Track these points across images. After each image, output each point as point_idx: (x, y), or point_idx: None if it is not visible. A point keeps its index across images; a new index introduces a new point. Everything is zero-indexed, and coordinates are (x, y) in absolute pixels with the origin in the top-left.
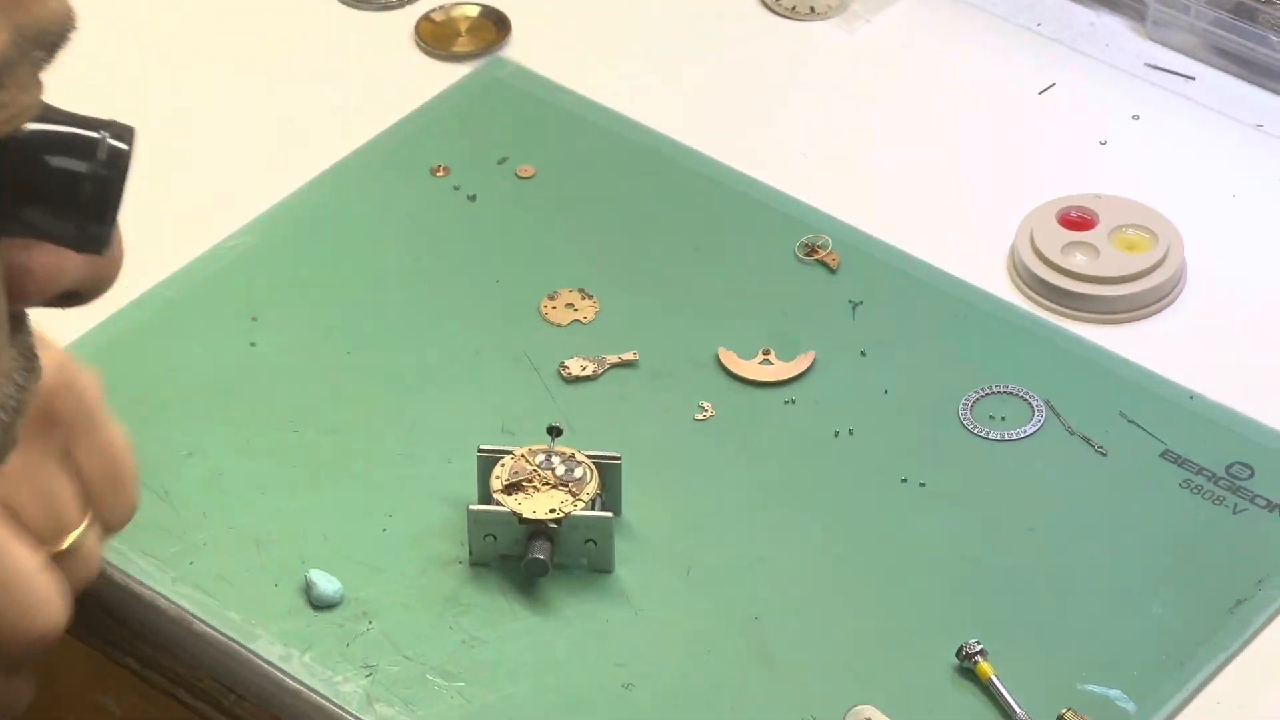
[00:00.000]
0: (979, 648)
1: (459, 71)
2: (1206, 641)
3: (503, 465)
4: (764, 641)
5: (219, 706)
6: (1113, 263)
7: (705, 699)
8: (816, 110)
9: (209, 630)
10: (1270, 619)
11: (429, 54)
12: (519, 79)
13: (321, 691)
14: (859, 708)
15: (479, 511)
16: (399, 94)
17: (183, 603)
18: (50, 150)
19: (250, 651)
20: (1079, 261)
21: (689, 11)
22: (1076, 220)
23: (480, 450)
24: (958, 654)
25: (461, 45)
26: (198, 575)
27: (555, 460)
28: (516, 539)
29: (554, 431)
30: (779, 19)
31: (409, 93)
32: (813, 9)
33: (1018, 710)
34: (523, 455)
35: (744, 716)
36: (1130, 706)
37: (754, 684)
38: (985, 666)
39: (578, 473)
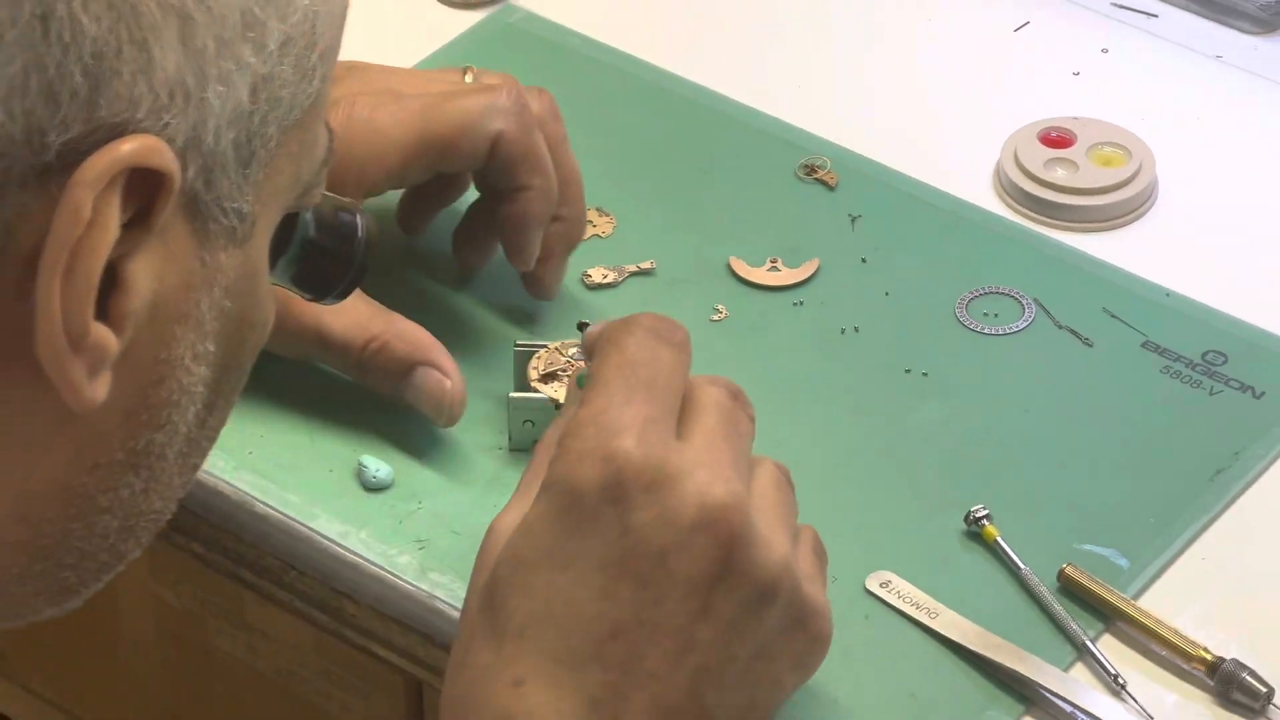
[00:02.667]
0: (984, 512)
1: (473, 18)
2: (1191, 506)
3: (538, 358)
4: None
5: (280, 582)
6: (1091, 176)
7: None
8: (808, 46)
9: (271, 511)
10: (1247, 485)
11: (445, 2)
12: (529, 24)
13: (379, 563)
14: (878, 572)
15: (519, 399)
16: (417, 39)
17: (245, 488)
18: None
19: (311, 529)
20: (1060, 175)
21: None
22: (1056, 139)
23: (516, 345)
24: (965, 519)
25: None
26: (257, 463)
27: None
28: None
29: (583, 327)
30: None
31: (427, 38)
32: None
33: (1022, 567)
34: (556, 348)
35: None
36: (1124, 563)
37: None
38: (991, 529)
39: None
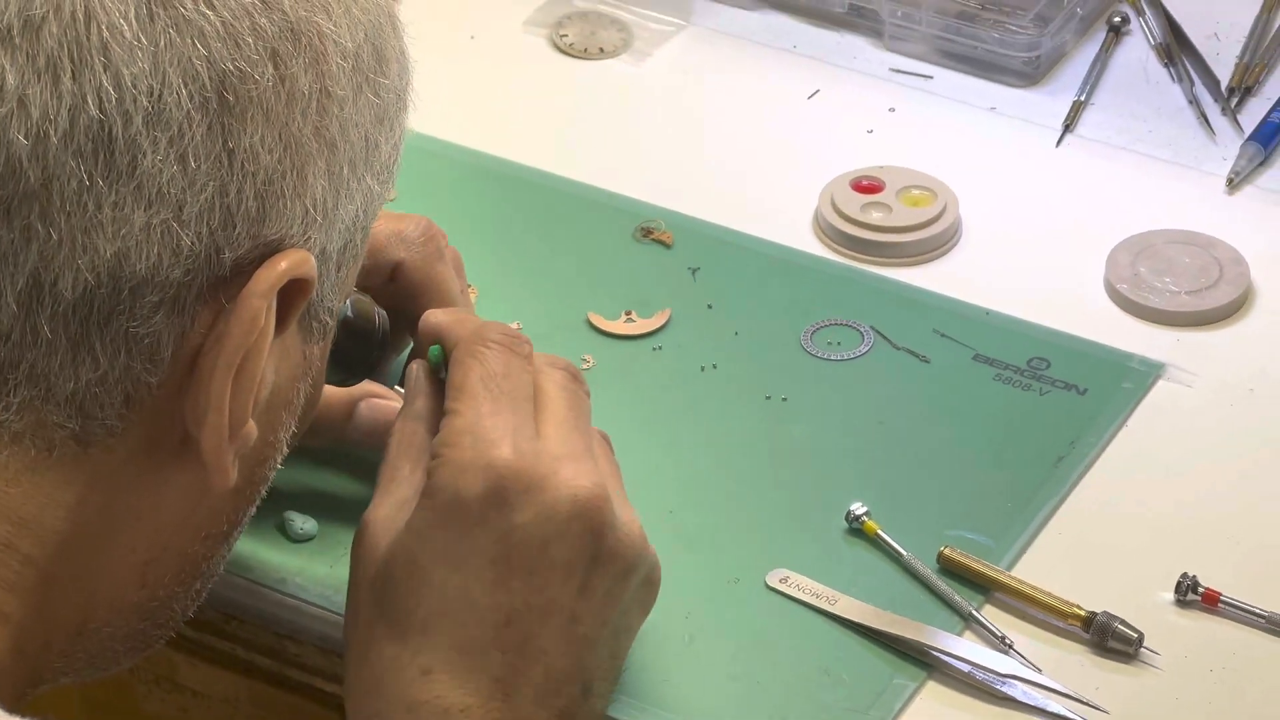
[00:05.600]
0: (863, 510)
1: None
2: (1040, 490)
3: None
4: (682, 529)
5: (221, 633)
6: (904, 216)
7: None
8: (623, 127)
9: None
10: (1087, 468)
11: None
12: None
13: (318, 603)
14: (776, 570)
15: None
16: None
17: None
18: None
19: (249, 579)
20: (876, 217)
21: (504, 62)
22: (868, 186)
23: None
24: (846, 518)
25: None
26: None
27: None
28: None
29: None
30: (575, 60)
31: None
32: (601, 50)
33: (904, 553)
34: None
35: (677, 586)
36: (991, 544)
37: (680, 562)
38: (871, 524)
39: None
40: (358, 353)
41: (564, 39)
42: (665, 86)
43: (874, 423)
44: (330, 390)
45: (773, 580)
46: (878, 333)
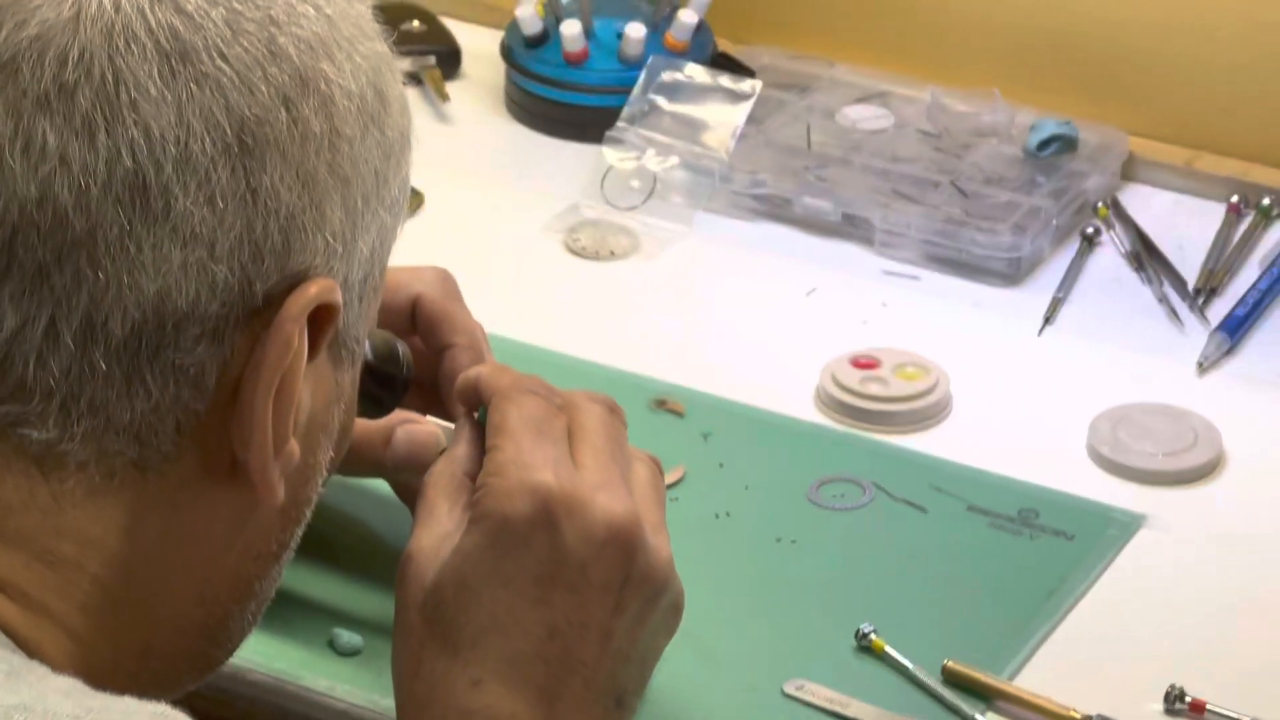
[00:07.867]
0: (871, 629)
1: None
2: (1034, 618)
3: None
4: (703, 646)
5: None
6: (899, 389)
7: (665, 686)
8: (636, 316)
9: (263, 678)
10: (1076, 601)
11: None
12: None
13: (366, 706)
14: (792, 679)
15: None
16: None
17: (234, 662)
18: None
19: (302, 687)
20: (874, 389)
21: (523, 262)
22: (865, 363)
23: None
24: (855, 635)
25: None
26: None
27: None
28: None
29: None
30: (588, 261)
31: None
32: (612, 253)
33: (910, 666)
34: None
35: (698, 692)
36: (990, 661)
37: (701, 672)
38: (879, 641)
39: None
40: (385, 387)
41: (577, 242)
42: (673, 282)
43: (878, 561)
44: (367, 420)
45: (789, 688)
46: (878, 487)
